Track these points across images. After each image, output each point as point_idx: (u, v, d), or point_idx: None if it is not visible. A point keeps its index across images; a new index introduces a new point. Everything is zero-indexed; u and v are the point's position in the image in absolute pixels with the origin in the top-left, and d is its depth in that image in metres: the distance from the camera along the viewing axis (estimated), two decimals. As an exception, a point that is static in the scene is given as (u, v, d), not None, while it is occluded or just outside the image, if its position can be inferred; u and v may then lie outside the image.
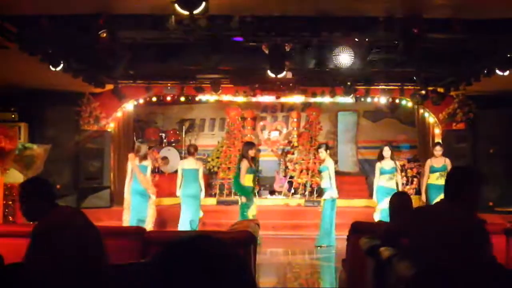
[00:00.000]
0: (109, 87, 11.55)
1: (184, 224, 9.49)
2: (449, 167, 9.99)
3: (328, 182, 10.25)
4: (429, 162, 10.51)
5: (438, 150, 10.44)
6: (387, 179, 10.10)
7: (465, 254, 3.39)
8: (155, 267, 1.35)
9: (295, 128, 14.86)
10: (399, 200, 5.32)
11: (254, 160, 10.33)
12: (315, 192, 13.67)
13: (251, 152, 9.66)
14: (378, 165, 10.31)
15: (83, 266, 3.59)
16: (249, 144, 10.08)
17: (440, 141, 12.46)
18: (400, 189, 10.08)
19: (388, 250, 3.88)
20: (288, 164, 14.22)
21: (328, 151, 10.52)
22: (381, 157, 10.24)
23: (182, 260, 1.32)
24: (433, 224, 3.56)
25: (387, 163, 10.17)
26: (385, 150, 10.18)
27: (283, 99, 12.99)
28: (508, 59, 8.15)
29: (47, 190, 3.97)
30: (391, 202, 5.34)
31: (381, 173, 10.19)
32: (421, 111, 12.88)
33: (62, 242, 3.80)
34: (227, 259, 1.36)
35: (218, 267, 1.33)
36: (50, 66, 8.35)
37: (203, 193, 9.93)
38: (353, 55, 8.13)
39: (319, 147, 10.96)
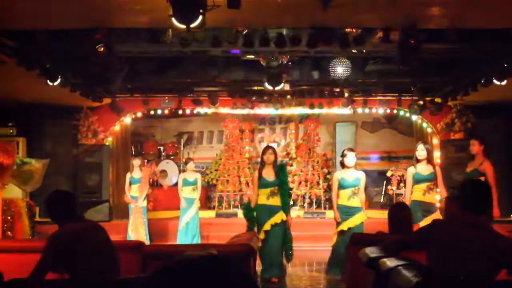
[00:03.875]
0: (107, 101, 11.58)
1: (182, 233, 10.30)
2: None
3: (358, 200, 7.74)
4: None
5: (475, 144, 7.78)
6: (424, 190, 7.53)
7: (478, 266, 3.39)
8: (156, 282, 1.34)
9: (293, 140, 14.86)
10: (399, 212, 5.30)
11: (277, 167, 7.92)
12: (314, 204, 13.63)
13: (265, 158, 7.85)
14: (411, 171, 7.68)
15: (92, 280, 3.63)
16: (264, 149, 8.22)
17: (439, 150, 12.43)
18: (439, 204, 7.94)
19: (388, 262, 3.86)
20: (287, 175, 14.13)
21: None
22: (416, 160, 7.67)
23: (184, 276, 1.32)
24: (452, 237, 3.54)
25: (423, 168, 7.61)
26: (419, 150, 7.62)
27: (281, 111, 12.97)
28: (505, 68, 8.17)
29: (65, 202, 4.10)
30: (390, 214, 5.31)
31: (416, 181, 7.58)
32: (419, 121, 12.87)
33: (73, 255, 3.84)
34: (232, 277, 1.35)
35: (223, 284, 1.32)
36: (48, 81, 8.36)
37: (198, 202, 10.62)
38: (350, 66, 8.16)
39: (347, 150, 7.94)
